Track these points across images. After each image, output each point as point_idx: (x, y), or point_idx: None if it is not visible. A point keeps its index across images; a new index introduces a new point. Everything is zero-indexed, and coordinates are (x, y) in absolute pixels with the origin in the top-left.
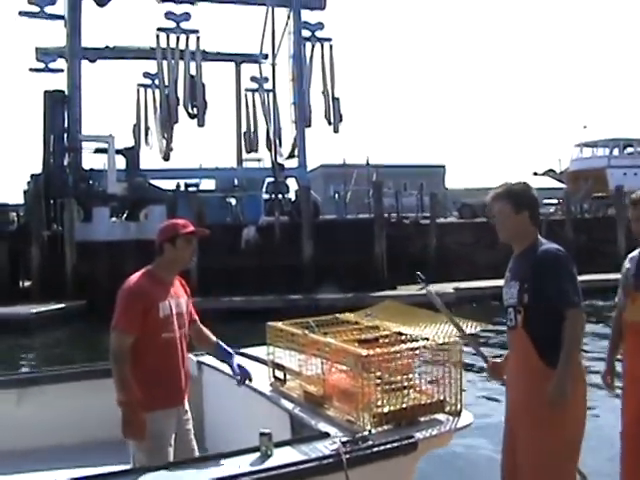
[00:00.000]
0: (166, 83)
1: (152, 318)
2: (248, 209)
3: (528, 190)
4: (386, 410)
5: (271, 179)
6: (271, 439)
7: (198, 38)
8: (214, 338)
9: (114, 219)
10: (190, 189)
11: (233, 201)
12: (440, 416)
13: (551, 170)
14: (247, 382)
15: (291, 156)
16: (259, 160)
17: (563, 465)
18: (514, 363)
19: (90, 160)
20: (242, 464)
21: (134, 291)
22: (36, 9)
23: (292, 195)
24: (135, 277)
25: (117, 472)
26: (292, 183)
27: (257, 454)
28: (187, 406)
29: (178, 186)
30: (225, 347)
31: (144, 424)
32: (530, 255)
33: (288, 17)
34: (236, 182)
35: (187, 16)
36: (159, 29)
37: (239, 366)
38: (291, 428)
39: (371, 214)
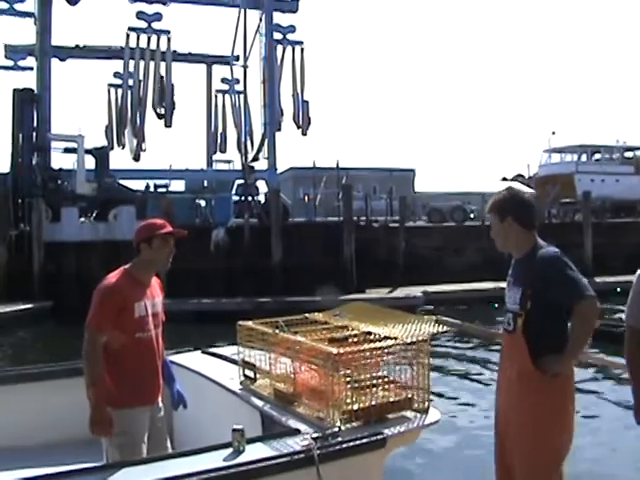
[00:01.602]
0: (134, 83)
1: (127, 318)
2: (217, 211)
3: (510, 195)
4: (356, 407)
5: (241, 181)
6: (243, 435)
7: (169, 39)
8: (164, 355)
9: (83, 219)
10: (159, 190)
11: (202, 202)
12: (408, 413)
13: (520, 175)
14: (183, 407)
15: (255, 159)
16: (229, 162)
17: (552, 474)
18: (509, 369)
19: (59, 160)
20: (215, 459)
21: (109, 291)
22: (5, 5)
23: (262, 197)
24: (112, 276)
25: (90, 468)
26: (262, 185)
27: (229, 450)
28: (161, 404)
29: (147, 187)
30: (170, 369)
31: (110, 422)
32: (529, 260)
33: (260, 19)
34: (206, 184)
35: (159, 16)
36: (130, 29)
37: (178, 392)
38: (262, 425)
39: (340, 217)
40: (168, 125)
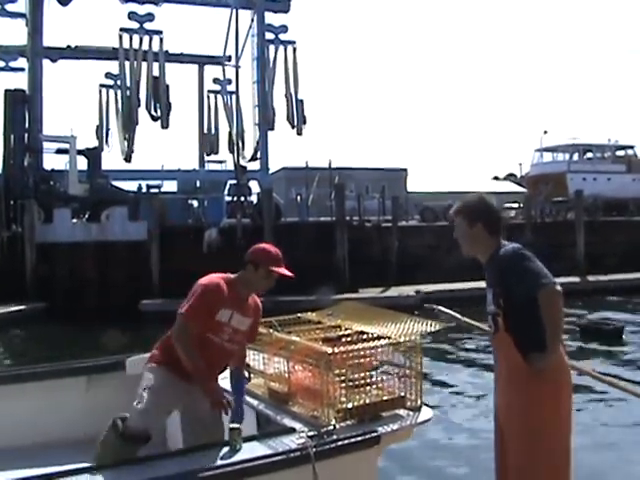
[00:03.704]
0: (128, 84)
1: (209, 316)
2: (210, 211)
3: (479, 202)
4: (350, 406)
5: (233, 181)
6: (240, 434)
7: (161, 39)
8: (243, 371)
9: (75, 220)
10: (152, 190)
11: (195, 203)
12: (401, 411)
13: (512, 174)
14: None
15: (253, 159)
16: (221, 162)
17: (551, 467)
18: (500, 368)
19: (51, 161)
20: (212, 458)
21: (210, 289)
22: None
23: (254, 197)
24: (216, 277)
25: (86, 468)
26: (254, 185)
27: (226, 448)
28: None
29: (140, 187)
30: (243, 385)
31: (220, 392)
32: (494, 261)
33: (252, 19)
34: (198, 184)
35: (150, 17)
36: (122, 29)
37: (241, 409)
38: (257, 424)
39: (333, 217)
40: (165, 127)
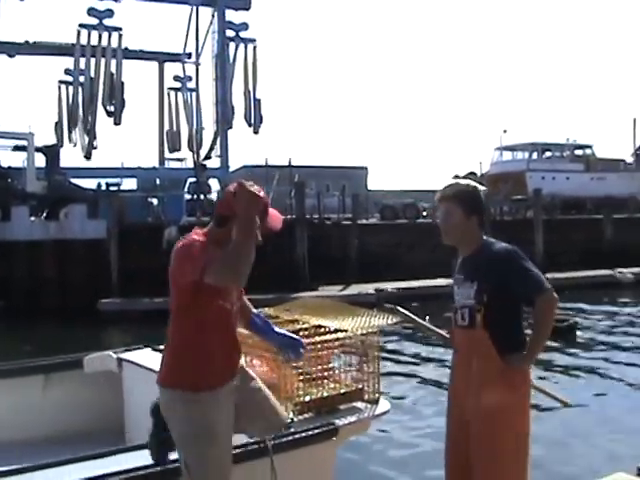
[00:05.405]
0: (82, 80)
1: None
2: (170, 209)
3: (477, 192)
4: (307, 399)
5: (193, 179)
6: None
7: (120, 36)
8: (253, 310)
9: (33, 218)
10: (111, 188)
11: (155, 201)
12: (359, 404)
13: (472, 173)
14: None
15: (208, 157)
16: (181, 160)
17: (518, 461)
18: (468, 364)
19: (9, 158)
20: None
21: (200, 245)
22: None
23: (214, 195)
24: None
25: (41, 465)
26: (214, 183)
27: None
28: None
29: (99, 185)
30: (268, 322)
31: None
32: (481, 255)
33: (212, 16)
34: (158, 182)
35: (110, 13)
36: (80, 25)
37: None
38: None
39: (293, 215)
40: (117, 123)
